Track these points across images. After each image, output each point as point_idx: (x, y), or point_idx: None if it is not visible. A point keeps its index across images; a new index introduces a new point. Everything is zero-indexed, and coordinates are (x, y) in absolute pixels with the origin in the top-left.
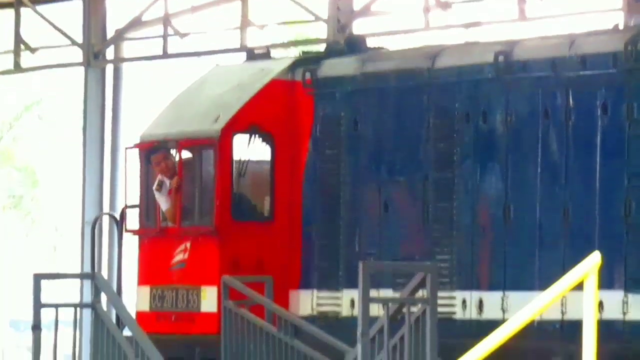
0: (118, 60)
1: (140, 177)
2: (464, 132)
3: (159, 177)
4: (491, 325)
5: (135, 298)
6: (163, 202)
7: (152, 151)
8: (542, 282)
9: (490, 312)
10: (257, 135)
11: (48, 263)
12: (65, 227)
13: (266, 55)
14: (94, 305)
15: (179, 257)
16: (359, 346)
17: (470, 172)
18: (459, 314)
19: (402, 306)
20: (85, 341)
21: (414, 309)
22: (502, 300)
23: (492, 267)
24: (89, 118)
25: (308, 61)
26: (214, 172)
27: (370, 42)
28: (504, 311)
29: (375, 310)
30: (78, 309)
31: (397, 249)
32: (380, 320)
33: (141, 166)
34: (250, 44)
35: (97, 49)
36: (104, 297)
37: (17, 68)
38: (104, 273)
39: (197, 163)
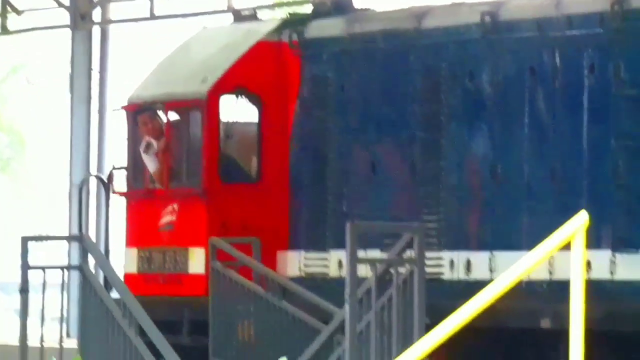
0: (105, 23)
1: (128, 139)
2: (451, 92)
3: (147, 138)
4: (479, 286)
5: (123, 260)
6: (150, 164)
7: (139, 112)
8: (530, 241)
9: (478, 272)
10: (244, 97)
11: (36, 225)
12: (53, 189)
13: (253, 17)
14: (82, 268)
15: (166, 218)
16: (346, 307)
17: (457, 132)
18: (446, 275)
19: (390, 267)
20: (73, 303)
21: (402, 270)
22: (490, 260)
23: (480, 227)
24: (76, 80)
25: (295, 22)
26: (201, 133)
27: (357, 3)
28: (491, 271)
29: (363, 271)
30: (66, 271)
31: (385, 210)
32: (368, 281)
33: (128, 128)
34: (237, 5)
35: (83, 11)
36: (91, 259)
37: (4, 30)
38: (92, 235)
39: (184, 125)
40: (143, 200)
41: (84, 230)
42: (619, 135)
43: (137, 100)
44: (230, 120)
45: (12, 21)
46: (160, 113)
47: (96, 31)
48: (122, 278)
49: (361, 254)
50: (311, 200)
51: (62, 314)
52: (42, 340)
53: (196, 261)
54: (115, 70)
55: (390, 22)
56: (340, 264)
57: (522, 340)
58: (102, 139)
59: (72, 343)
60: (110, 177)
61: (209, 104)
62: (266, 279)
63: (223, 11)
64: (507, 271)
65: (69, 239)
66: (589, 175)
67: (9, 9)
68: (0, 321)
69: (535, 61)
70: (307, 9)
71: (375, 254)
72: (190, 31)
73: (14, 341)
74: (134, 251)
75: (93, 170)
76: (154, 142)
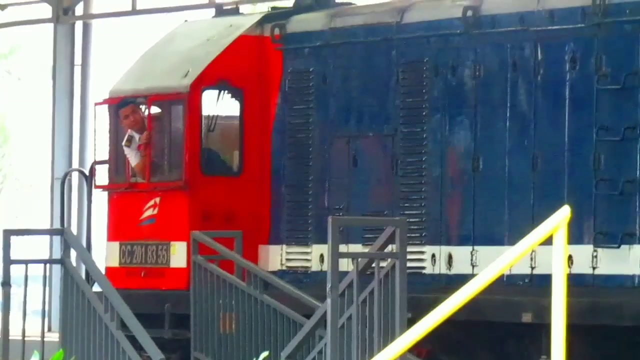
0: (87, 17)
1: (110, 132)
2: (433, 86)
3: (129, 132)
4: (461, 280)
5: (105, 254)
6: (132, 157)
7: (121, 106)
8: (512, 236)
9: (460, 266)
10: (226, 90)
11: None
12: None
13: (235, 11)
14: (64, 261)
15: (148, 212)
16: (328, 301)
17: (439, 126)
18: (428, 269)
19: (372, 261)
20: (55, 297)
21: (384, 264)
22: (472, 255)
23: (462, 222)
24: (58, 74)
25: (277, 16)
26: (183, 127)
27: None
28: (473, 266)
29: (345, 265)
30: (48, 264)
31: (367, 204)
32: (350, 275)
33: (110, 122)
34: (218, 0)
35: (66, 5)
36: (73, 253)
37: None
38: (74, 229)
39: (166, 118)
40: (125, 194)
41: (66, 224)
42: (600, 129)
43: (118, 94)
44: (212, 114)
45: None
46: (143, 107)
47: (79, 25)
48: (104, 272)
49: (343, 248)
50: (293, 194)
51: (43, 308)
52: (23, 333)
53: (178, 255)
54: (97, 64)
55: (372, 16)
56: (321, 258)
57: (503, 334)
58: (84, 133)
59: (54, 336)
60: (92, 170)
61: (191, 98)
62: (248, 272)
63: (205, 5)
64: (490, 266)
65: (51, 232)
66: (571, 170)
67: None
68: None
69: (517, 55)
70: (289, 3)
71: (357, 247)
72: (172, 25)
73: None
74: (115, 245)
75: (75, 163)
76: (136, 135)
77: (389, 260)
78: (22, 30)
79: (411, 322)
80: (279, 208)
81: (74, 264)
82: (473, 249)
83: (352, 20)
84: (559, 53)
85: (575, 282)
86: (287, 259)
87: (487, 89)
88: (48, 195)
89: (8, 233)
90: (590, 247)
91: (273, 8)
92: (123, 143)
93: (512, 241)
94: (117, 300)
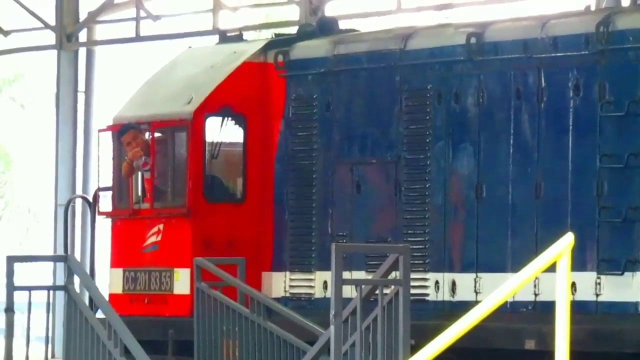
0: (91, 43)
1: (113, 159)
2: (436, 113)
3: (135, 162)
4: (464, 307)
5: (108, 280)
6: (147, 176)
7: (122, 132)
8: (515, 263)
9: (463, 293)
10: (229, 117)
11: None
12: (38, 209)
13: (238, 38)
14: (67, 288)
15: (152, 239)
16: (331, 328)
17: (442, 153)
18: (431, 296)
19: (375, 288)
20: (59, 324)
21: (387, 291)
22: (475, 281)
23: (465, 249)
24: (61, 100)
25: (280, 43)
26: (187, 153)
27: (342, 24)
28: (476, 293)
29: (348, 291)
30: (51, 291)
31: (370, 230)
32: (353, 301)
33: (114, 148)
34: (222, 26)
35: (69, 32)
36: (77, 280)
37: None
38: (77, 255)
39: (169, 145)
40: (128, 221)
41: (69, 251)
42: (603, 156)
43: (122, 121)
44: (216, 140)
45: None
46: (146, 133)
47: (82, 52)
48: (107, 298)
49: (346, 274)
50: (296, 221)
51: (47, 334)
52: None
53: (181, 281)
54: (101, 90)
55: (375, 43)
56: (325, 284)
57: None
58: (87, 160)
59: None
60: (95, 197)
61: (194, 124)
62: (251, 299)
63: (209, 32)
64: (494, 293)
65: (55, 259)
66: (574, 197)
67: None
68: None
69: (521, 82)
70: (293, 29)
71: (360, 274)
72: (175, 52)
73: None
74: (119, 271)
75: (79, 190)
76: (141, 160)
77: (393, 287)
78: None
79: (414, 349)
80: (282, 234)
81: (78, 290)
82: (476, 276)
83: (355, 47)
84: (562, 80)
85: (579, 309)
86: (291, 286)
87: (490, 116)
88: (51, 222)
89: (11, 260)
90: (593, 274)
91: (276, 35)
92: (134, 165)
93: (516, 268)
94: (121, 327)
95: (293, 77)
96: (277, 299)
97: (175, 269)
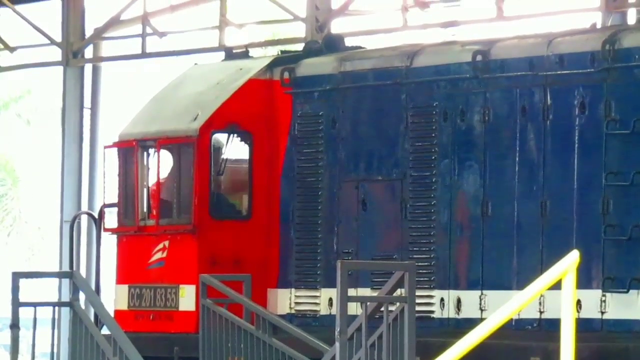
0: (97, 59)
1: (119, 175)
2: (442, 131)
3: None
4: (469, 324)
5: (114, 296)
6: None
7: (130, 150)
8: (520, 280)
9: (469, 311)
10: (235, 134)
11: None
12: (45, 225)
13: (244, 55)
14: (73, 304)
15: (157, 255)
16: (337, 345)
17: (448, 171)
18: (437, 313)
19: (381, 305)
20: (64, 340)
21: (392, 308)
22: (480, 299)
23: (471, 266)
24: (67, 117)
25: (286, 60)
26: (193, 170)
27: (349, 42)
28: (482, 310)
29: (354, 308)
30: (56, 307)
31: (375, 248)
32: (358, 318)
33: (120, 165)
34: (228, 43)
35: (75, 48)
36: (82, 296)
37: None
38: (83, 272)
39: (175, 161)
40: (134, 237)
41: (75, 267)
42: (609, 174)
43: (128, 137)
44: (222, 157)
45: (5, 58)
46: (152, 150)
47: (88, 68)
48: (112, 314)
49: (352, 291)
50: (302, 238)
51: (52, 351)
52: None
53: (187, 298)
54: (107, 107)
55: (381, 60)
56: (330, 301)
57: None
58: (93, 176)
59: None
60: (101, 213)
61: (200, 141)
62: (256, 316)
63: (215, 49)
64: (499, 310)
65: (60, 275)
66: (580, 214)
67: (1, 45)
68: None
69: (527, 100)
70: (299, 47)
71: (365, 291)
72: (181, 68)
73: None
74: (124, 288)
75: (84, 206)
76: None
77: (398, 304)
78: (32, 73)
79: None
80: (287, 252)
81: (83, 306)
82: (482, 294)
83: (361, 64)
84: (568, 98)
85: (584, 326)
86: (296, 303)
87: (496, 133)
88: (57, 238)
89: (17, 276)
90: (598, 292)
91: (283, 52)
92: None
93: (521, 286)
94: (126, 344)
95: (299, 94)
96: (283, 316)
97: (181, 286)
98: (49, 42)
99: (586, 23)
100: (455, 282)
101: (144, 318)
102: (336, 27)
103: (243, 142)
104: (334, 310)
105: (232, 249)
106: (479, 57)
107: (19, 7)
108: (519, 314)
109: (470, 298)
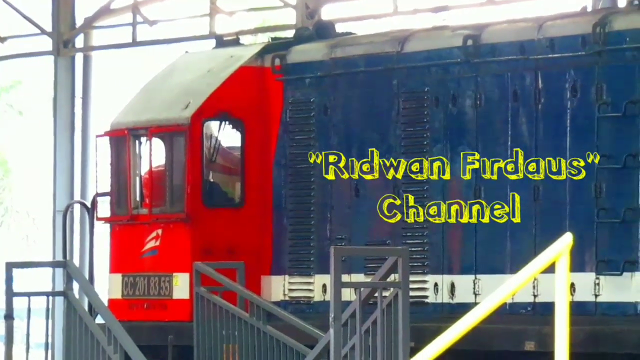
0: (87, 49)
1: (111, 164)
2: (434, 116)
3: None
4: (463, 309)
5: (108, 286)
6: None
7: (122, 139)
8: (514, 264)
9: (462, 295)
10: (227, 122)
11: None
12: (37, 215)
13: (235, 42)
14: (66, 293)
15: (150, 244)
16: (331, 331)
17: (440, 155)
18: (431, 298)
19: (374, 291)
20: (58, 329)
21: (386, 293)
22: (474, 283)
23: (464, 251)
24: (59, 106)
25: (277, 47)
26: (185, 159)
27: (339, 28)
28: (476, 295)
29: (348, 294)
30: (50, 297)
31: (369, 234)
32: (352, 304)
33: (112, 154)
34: (219, 30)
35: (66, 38)
36: (76, 285)
37: None
38: (76, 261)
39: (167, 150)
40: (127, 226)
41: (68, 257)
42: (601, 157)
43: (119, 126)
44: (214, 145)
45: None
46: (144, 139)
47: (79, 57)
48: (106, 304)
49: (345, 277)
50: (295, 225)
51: (46, 340)
52: None
53: (180, 286)
54: (98, 96)
55: (372, 46)
56: (324, 288)
57: None
58: (85, 165)
59: None
60: (93, 203)
61: (192, 130)
62: (250, 303)
63: (205, 37)
64: (492, 294)
65: (54, 265)
66: (572, 198)
67: None
68: None
69: (518, 84)
70: (290, 33)
71: (359, 277)
72: (172, 56)
73: None
74: (118, 277)
75: (77, 196)
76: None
77: (392, 289)
78: (23, 63)
79: (414, 351)
80: (281, 239)
81: (77, 296)
82: (475, 278)
83: (352, 50)
84: (559, 82)
85: (578, 310)
86: (290, 290)
87: (487, 118)
88: (50, 228)
89: (10, 266)
90: (592, 275)
91: (273, 39)
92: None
93: (515, 270)
94: (120, 333)
95: (290, 81)
96: (277, 303)
97: (175, 274)
98: (39, 31)
99: (576, 6)
100: (449, 267)
101: (138, 307)
102: (326, 13)
103: (235, 130)
104: (328, 297)
105: (225, 236)
106: (469, 42)
107: None
108: (512, 298)
109: (464, 283)
